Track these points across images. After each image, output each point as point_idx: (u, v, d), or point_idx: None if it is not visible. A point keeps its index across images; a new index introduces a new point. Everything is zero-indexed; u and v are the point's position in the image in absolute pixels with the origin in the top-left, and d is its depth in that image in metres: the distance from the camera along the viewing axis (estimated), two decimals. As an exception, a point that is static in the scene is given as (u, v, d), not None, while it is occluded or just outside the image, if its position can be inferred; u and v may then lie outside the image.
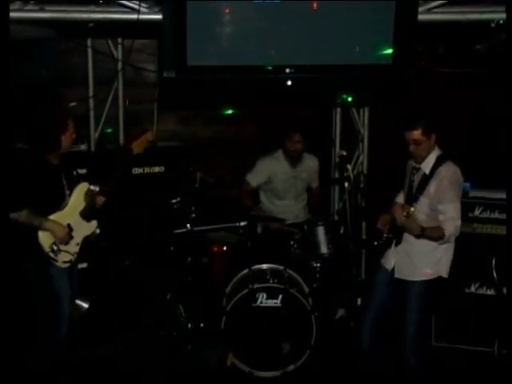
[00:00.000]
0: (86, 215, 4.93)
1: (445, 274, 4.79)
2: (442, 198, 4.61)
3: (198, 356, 5.51)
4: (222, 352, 5.47)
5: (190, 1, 4.13)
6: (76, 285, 5.08)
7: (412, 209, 4.36)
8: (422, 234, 4.50)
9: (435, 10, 4.55)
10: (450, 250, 4.75)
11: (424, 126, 4.59)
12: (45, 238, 4.69)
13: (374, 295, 4.95)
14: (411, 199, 4.76)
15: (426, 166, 4.71)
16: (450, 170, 4.68)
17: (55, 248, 4.70)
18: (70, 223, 4.81)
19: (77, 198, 4.90)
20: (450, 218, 4.58)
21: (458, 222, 4.61)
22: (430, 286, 4.76)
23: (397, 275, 4.83)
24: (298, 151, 6.35)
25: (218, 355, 5.46)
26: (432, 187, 4.66)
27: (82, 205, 4.91)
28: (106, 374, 5.34)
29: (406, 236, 4.71)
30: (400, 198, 5.11)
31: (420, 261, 4.71)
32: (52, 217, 4.72)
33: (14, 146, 5.68)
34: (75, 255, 4.85)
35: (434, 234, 4.56)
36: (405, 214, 4.33)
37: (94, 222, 5.01)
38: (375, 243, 4.92)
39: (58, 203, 4.81)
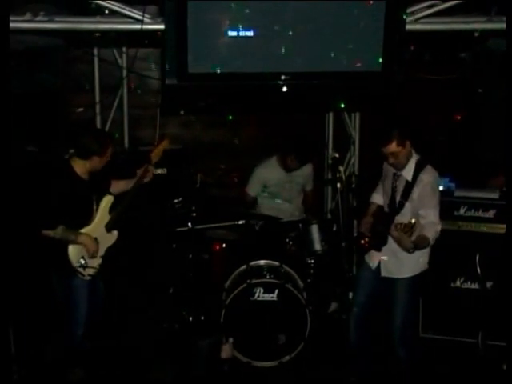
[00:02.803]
0: (110, 227, 4.91)
1: (426, 266, 4.82)
2: (424, 204, 4.62)
3: (192, 347, 5.50)
4: (214, 342, 5.44)
5: (191, 11, 4.14)
6: (101, 292, 5.09)
7: (413, 220, 4.33)
8: (414, 249, 4.51)
9: (422, 21, 4.56)
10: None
11: (397, 137, 4.58)
12: (74, 253, 4.66)
13: (358, 291, 4.95)
14: (395, 205, 4.76)
15: (407, 172, 4.70)
16: (431, 176, 4.68)
17: (83, 262, 4.66)
18: (96, 237, 4.78)
19: (102, 212, 4.87)
20: (432, 223, 4.59)
21: (439, 227, 4.63)
22: (416, 280, 4.78)
23: (384, 274, 4.82)
24: (296, 168, 6.36)
25: (208, 345, 5.43)
26: (415, 193, 4.66)
27: (107, 218, 4.89)
28: (109, 366, 5.33)
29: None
30: (377, 199, 5.10)
31: (407, 258, 4.69)
32: (83, 231, 4.70)
33: (25, 149, 5.76)
34: (99, 267, 4.82)
35: (422, 244, 4.56)
36: (406, 230, 4.31)
37: (115, 233, 4.98)
38: (362, 242, 4.93)
39: (88, 218, 4.79)
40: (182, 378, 5.27)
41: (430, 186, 4.65)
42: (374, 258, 4.87)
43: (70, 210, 4.59)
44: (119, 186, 5.13)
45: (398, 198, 4.76)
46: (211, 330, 5.51)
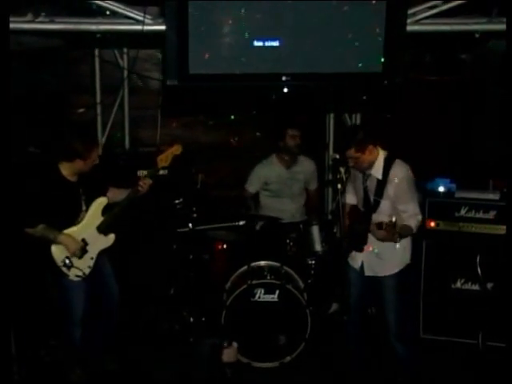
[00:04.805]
0: (104, 229, 4.85)
1: (408, 260, 4.86)
2: (402, 199, 4.66)
3: (193, 348, 5.48)
4: (216, 345, 5.39)
5: (192, 12, 4.14)
6: (115, 297, 5.06)
7: (394, 219, 4.39)
8: (400, 238, 4.55)
9: (423, 22, 4.56)
10: (410, 236, 4.80)
11: (355, 144, 4.61)
12: (57, 252, 4.64)
13: (351, 293, 4.96)
14: (370, 204, 4.78)
15: (377, 171, 4.72)
16: (403, 171, 4.70)
17: (67, 262, 4.63)
18: (84, 238, 4.75)
19: (94, 213, 4.82)
20: (413, 215, 4.66)
21: (420, 216, 4.71)
22: (402, 275, 4.81)
23: (368, 273, 4.85)
24: (298, 146, 6.25)
25: (210, 347, 5.39)
26: (390, 190, 4.68)
27: (99, 219, 4.84)
28: (109, 367, 5.33)
29: (369, 235, 4.74)
30: (349, 199, 5.08)
31: (389, 255, 4.75)
32: (66, 231, 4.67)
33: (26, 150, 5.76)
34: (89, 269, 4.78)
35: (406, 233, 4.62)
36: (388, 230, 4.38)
37: (112, 236, 4.92)
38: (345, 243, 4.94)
39: (73, 218, 4.76)
40: (182, 379, 5.26)
41: (404, 181, 4.68)
42: (357, 259, 4.88)
43: (53, 210, 4.58)
44: (116, 194, 5.04)
45: (372, 197, 4.78)
46: (213, 331, 5.49)
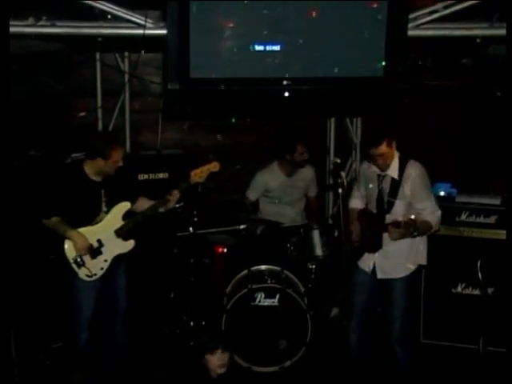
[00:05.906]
0: (123, 234, 4.79)
1: (424, 262, 4.87)
2: (419, 197, 4.69)
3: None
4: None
5: (194, 16, 4.14)
6: (121, 298, 5.00)
7: (413, 217, 4.44)
8: (417, 234, 4.59)
9: (424, 26, 4.56)
10: (425, 237, 4.81)
11: (387, 139, 4.64)
12: (70, 249, 4.62)
13: (356, 297, 4.95)
14: (384, 206, 4.79)
15: (393, 170, 4.75)
16: (417, 169, 4.74)
17: (79, 260, 4.61)
18: (100, 239, 4.70)
19: (114, 216, 4.77)
20: (432, 212, 4.69)
21: (439, 212, 4.74)
22: (413, 278, 4.84)
23: (380, 276, 4.84)
24: (305, 161, 6.31)
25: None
26: (406, 189, 4.70)
27: (118, 223, 4.78)
28: (109, 371, 5.31)
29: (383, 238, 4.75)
30: (356, 203, 5.12)
31: (402, 258, 4.76)
32: (82, 229, 4.63)
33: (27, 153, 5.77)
34: (102, 271, 4.73)
35: (424, 229, 4.63)
36: (408, 227, 4.43)
37: (131, 242, 4.85)
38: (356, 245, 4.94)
39: (92, 217, 4.72)
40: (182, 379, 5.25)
41: (418, 178, 4.71)
42: (369, 261, 4.88)
43: (71, 205, 4.58)
44: (144, 205, 4.97)
45: (385, 198, 4.79)
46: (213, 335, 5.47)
